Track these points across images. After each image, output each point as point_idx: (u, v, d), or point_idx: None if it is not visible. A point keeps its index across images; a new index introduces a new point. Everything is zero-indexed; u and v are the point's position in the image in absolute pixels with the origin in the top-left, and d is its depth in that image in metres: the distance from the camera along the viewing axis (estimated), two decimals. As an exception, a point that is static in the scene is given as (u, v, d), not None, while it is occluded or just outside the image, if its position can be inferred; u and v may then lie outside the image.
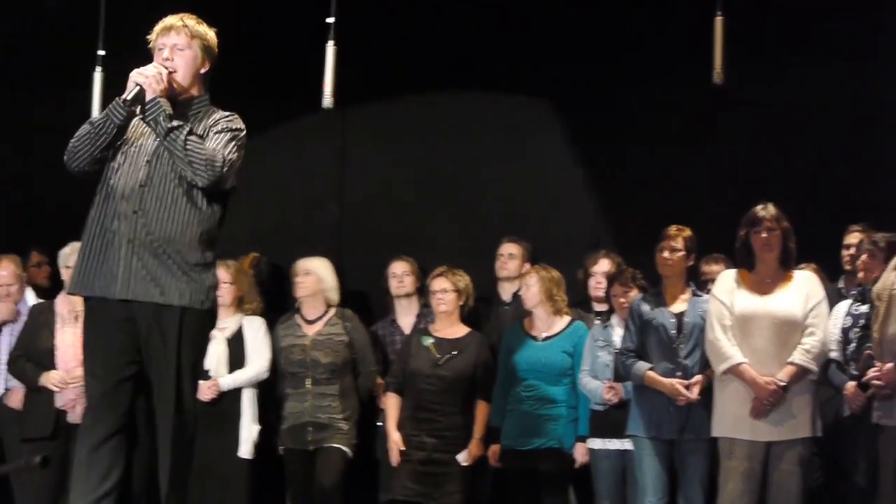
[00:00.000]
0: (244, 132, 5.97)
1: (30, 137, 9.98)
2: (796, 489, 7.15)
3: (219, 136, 5.86)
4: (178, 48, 5.90)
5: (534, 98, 10.14)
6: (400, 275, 8.98)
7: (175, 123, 5.73)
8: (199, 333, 5.96)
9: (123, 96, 5.80)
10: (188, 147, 5.71)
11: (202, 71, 6.01)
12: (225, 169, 5.77)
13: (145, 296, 5.73)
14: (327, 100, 8.25)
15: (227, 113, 6.01)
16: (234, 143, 5.88)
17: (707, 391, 7.39)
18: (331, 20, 8.28)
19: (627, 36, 9.48)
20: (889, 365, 6.67)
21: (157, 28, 5.99)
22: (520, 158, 10.13)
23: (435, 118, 10.28)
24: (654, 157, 9.55)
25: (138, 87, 5.75)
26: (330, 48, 8.20)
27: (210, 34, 6.04)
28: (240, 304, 8.53)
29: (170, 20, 5.98)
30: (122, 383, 5.80)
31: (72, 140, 5.89)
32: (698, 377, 7.45)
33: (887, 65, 8.89)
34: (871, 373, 6.80)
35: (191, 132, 5.76)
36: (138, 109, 5.79)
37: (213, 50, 6.04)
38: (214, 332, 8.21)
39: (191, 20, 5.98)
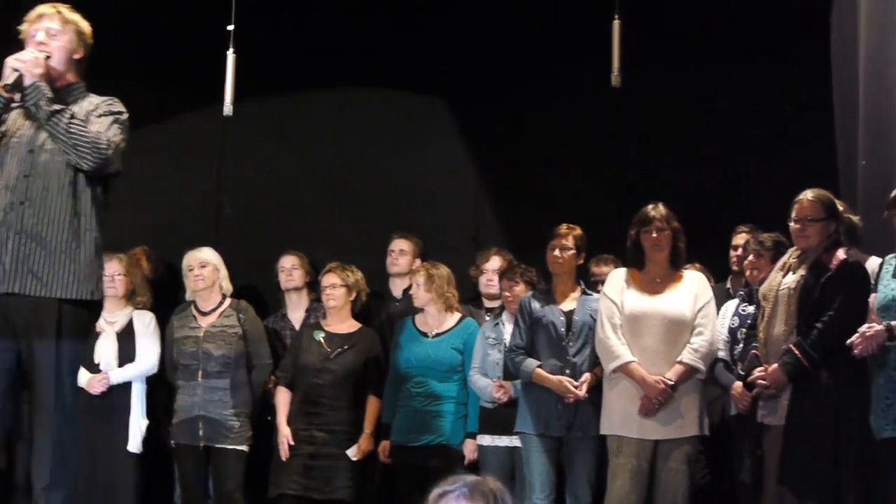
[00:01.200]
0: (126, 115, 5.94)
1: None
2: (683, 487, 7.16)
3: (101, 120, 5.82)
4: (51, 33, 5.88)
5: (424, 96, 10.28)
6: (289, 269, 8.97)
7: (57, 107, 5.73)
8: (80, 326, 5.92)
9: (1, 83, 5.76)
10: (72, 130, 5.68)
11: (76, 57, 5.97)
12: (110, 151, 5.74)
13: (27, 289, 5.69)
14: (228, 108, 8.26)
15: (106, 97, 5.98)
16: (116, 125, 5.86)
17: (595, 389, 7.40)
18: (231, 28, 8.22)
19: (519, 36, 9.55)
20: (774, 366, 6.69)
21: (30, 16, 5.95)
22: (411, 156, 10.29)
23: (325, 115, 10.35)
24: (546, 157, 9.69)
25: (17, 73, 5.72)
26: (230, 57, 8.17)
27: (83, 22, 5.99)
28: (130, 298, 8.44)
29: (42, 8, 5.96)
30: (3, 376, 5.78)
31: None
32: (587, 375, 7.45)
33: (774, 68, 9.03)
34: (757, 372, 6.81)
35: (73, 116, 5.70)
36: (18, 96, 5.75)
37: (87, 38, 6.01)
38: (104, 326, 8.31)
39: (63, 7, 5.96)
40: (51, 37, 5.86)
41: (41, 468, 5.78)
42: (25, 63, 5.73)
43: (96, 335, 8.25)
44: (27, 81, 5.71)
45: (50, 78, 5.81)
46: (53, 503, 5.77)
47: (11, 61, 5.76)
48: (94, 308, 6.00)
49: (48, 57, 5.80)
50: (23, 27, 5.95)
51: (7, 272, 5.67)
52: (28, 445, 5.92)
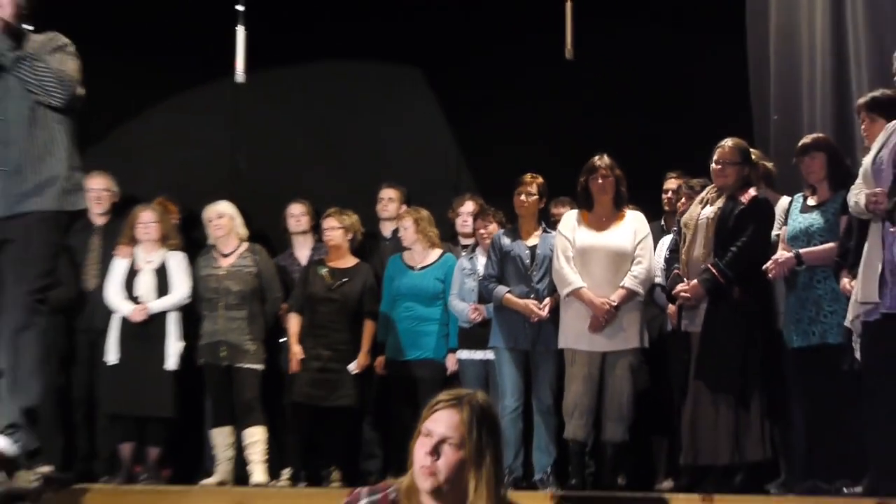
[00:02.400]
0: (72, 45, 5.78)
1: None
2: (627, 391, 7.24)
3: (55, 57, 5.69)
4: None
5: (405, 65, 10.18)
6: (297, 215, 8.93)
7: (20, 53, 5.58)
8: (60, 231, 5.82)
9: None
10: (38, 72, 5.59)
11: (23, 9, 5.69)
12: (72, 85, 5.66)
13: (14, 209, 5.63)
14: (240, 76, 8.25)
15: (50, 33, 5.80)
16: (70, 58, 5.74)
17: (555, 310, 7.44)
18: (240, 8, 8.24)
19: (484, 12, 9.49)
20: (694, 281, 6.76)
21: None
22: (395, 117, 10.19)
23: (320, 83, 10.22)
24: (510, 117, 9.65)
25: None
26: (240, 32, 8.16)
27: None
28: (164, 241, 8.36)
29: None
30: None
31: None
32: (548, 299, 7.50)
33: (700, 37, 9.09)
34: (680, 287, 6.89)
35: (36, 59, 5.59)
36: None
37: None
38: (142, 264, 8.25)
39: None
40: None
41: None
42: None
43: (136, 272, 8.24)
44: None
45: (6, 28, 5.60)
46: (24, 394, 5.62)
47: None
48: (70, 216, 5.86)
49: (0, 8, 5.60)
50: None
51: None
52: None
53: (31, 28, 5.79)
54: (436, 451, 3.94)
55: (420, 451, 3.90)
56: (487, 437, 3.94)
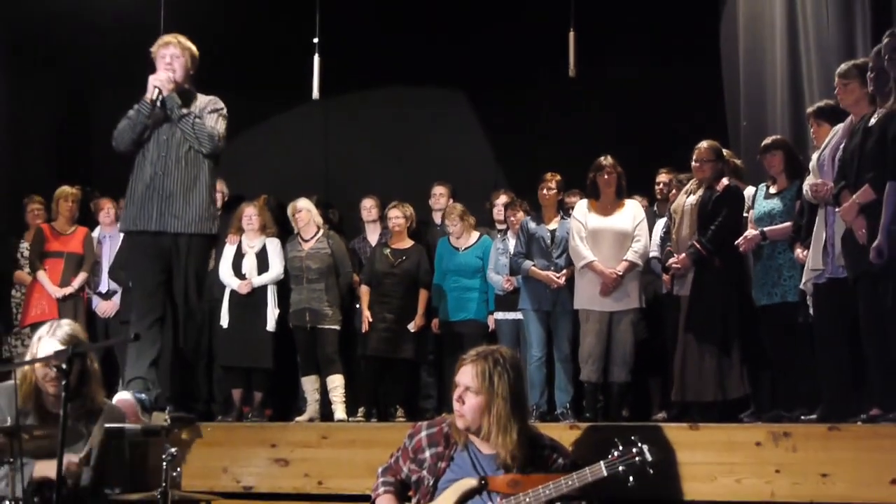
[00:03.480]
0: (225, 109, 5.95)
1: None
2: (630, 343, 7.28)
3: (211, 116, 5.84)
4: (175, 57, 5.88)
5: (451, 87, 10.19)
6: (368, 207, 8.93)
7: (185, 111, 5.75)
8: (203, 250, 5.98)
9: (147, 96, 5.81)
10: (196, 128, 5.74)
11: (191, 72, 5.96)
12: (219, 140, 5.81)
13: (167, 227, 5.78)
14: (316, 94, 8.32)
15: (211, 97, 5.97)
16: (221, 119, 5.89)
17: (570, 280, 7.44)
18: (316, 40, 8.28)
19: (508, 44, 9.50)
20: (682, 255, 6.77)
21: (158, 43, 5.95)
22: (444, 128, 10.18)
23: (387, 103, 10.24)
24: (533, 125, 9.65)
25: (157, 89, 5.78)
26: (316, 62, 8.21)
27: (193, 46, 5.96)
28: (264, 229, 8.42)
29: (166, 37, 5.97)
30: (158, 287, 5.87)
31: (115, 130, 5.88)
32: (565, 270, 7.49)
33: (680, 61, 9.09)
34: (672, 261, 6.89)
35: (196, 116, 5.75)
36: (158, 103, 5.78)
37: (196, 57, 5.98)
38: (247, 248, 8.29)
39: (181, 37, 5.96)
40: (174, 59, 5.88)
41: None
42: (162, 81, 5.79)
43: (242, 255, 8.28)
44: (165, 94, 5.77)
45: (177, 88, 5.83)
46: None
47: (153, 80, 5.81)
48: (214, 238, 6.09)
49: (174, 74, 5.83)
50: (153, 50, 5.95)
51: (155, 218, 5.77)
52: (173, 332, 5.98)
53: (193, 88, 5.99)
54: (461, 398, 4.06)
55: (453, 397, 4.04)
56: (501, 384, 4.03)
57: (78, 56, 9.61)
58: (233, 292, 8.29)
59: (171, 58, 5.88)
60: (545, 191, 7.73)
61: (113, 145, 5.88)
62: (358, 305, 8.58)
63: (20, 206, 9.10)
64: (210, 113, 5.86)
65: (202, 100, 5.94)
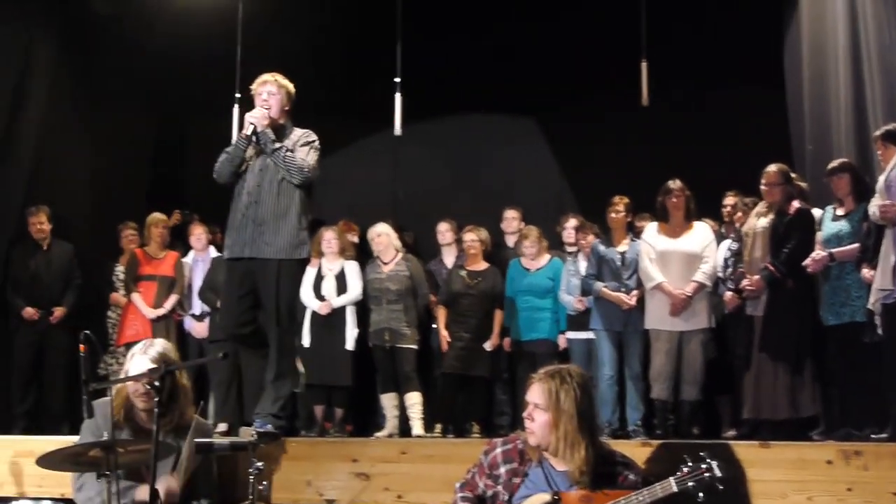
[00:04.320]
0: (317, 141, 5.99)
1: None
2: (700, 362, 7.23)
3: (303, 149, 5.88)
4: (272, 94, 5.96)
5: (521, 116, 10.22)
6: (443, 231, 8.98)
7: (278, 145, 5.81)
8: (293, 275, 5.99)
9: (243, 132, 5.93)
10: (286, 161, 5.79)
11: (286, 108, 6.04)
12: (309, 173, 5.85)
13: (259, 253, 5.80)
14: (398, 131, 8.38)
15: (305, 130, 6.03)
16: (313, 151, 5.92)
17: (641, 301, 7.41)
18: (397, 79, 8.37)
19: (578, 71, 9.49)
20: (756, 277, 6.70)
21: (257, 81, 6.04)
22: (515, 154, 10.19)
23: (460, 132, 10.30)
24: (602, 150, 9.60)
25: (252, 125, 5.86)
26: (398, 98, 8.30)
27: (290, 84, 6.06)
28: (342, 253, 8.50)
29: (265, 76, 6.05)
30: (246, 311, 5.91)
31: (216, 163, 5.96)
32: (635, 291, 7.46)
33: (748, 85, 8.98)
34: (745, 282, 6.82)
35: (288, 150, 5.82)
36: (254, 138, 5.88)
37: (292, 94, 6.06)
38: (326, 271, 8.34)
39: (278, 76, 6.04)
40: (271, 96, 5.95)
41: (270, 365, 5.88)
42: (257, 118, 5.86)
43: (322, 277, 8.33)
44: (259, 129, 5.85)
45: (271, 124, 5.91)
46: (281, 390, 5.86)
47: (248, 116, 5.90)
48: (304, 263, 6.07)
49: (269, 110, 5.92)
50: (253, 87, 6.05)
51: (247, 244, 5.82)
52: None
53: (289, 123, 6.04)
54: (531, 415, 4.06)
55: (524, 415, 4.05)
56: (568, 401, 4.03)
57: (169, 88, 9.80)
58: (313, 313, 8.34)
59: (267, 95, 5.96)
60: (613, 213, 7.72)
61: (214, 177, 5.97)
62: (434, 325, 8.60)
63: (115, 232, 9.29)
64: (302, 146, 5.92)
65: (296, 133, 6.00)
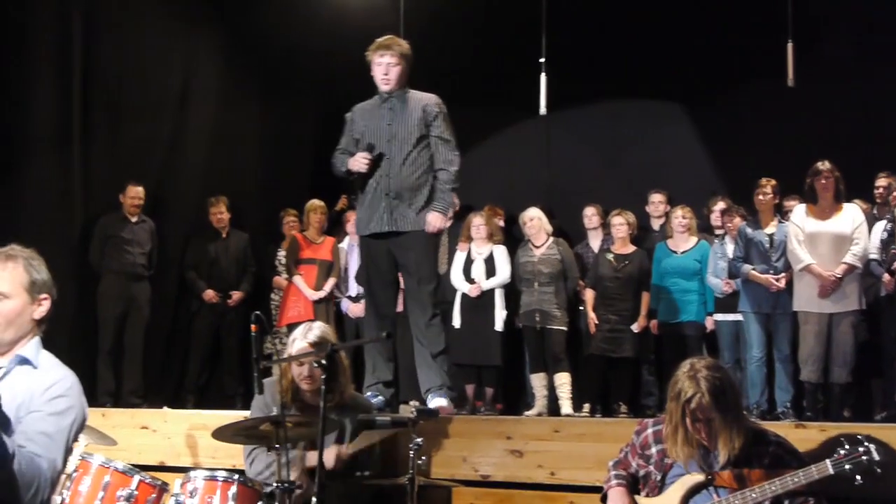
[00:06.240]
0: (445, 109, 5.73)
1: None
2: (850, 344, 7.04)
3: (443, 149, 5.70)
4: (391, 66, 5.69)
5: (669, 101, 10.04)
6: (590, 215, 8.96)
7: (439, 207, 5.71)
8: (431, 247, 5.84)
9: (350, 171, 5.79)
10: (446, 196, 5.73)
11: (406, 75, 5.75)
12: (456, 169, 5.73)
13: (396, 227, 5.68)
14: (542, 110, 8.37)
15: (430, 97, 5.74)
16: (450, 134, 5.72)
17: (789, 283, 7.28)
18: (542, 60, 8.34)
19: (723, 55, 9.28)
20: None
21: (373, 46, 5.73)
22: (662, 139, 10.02)
23: (608, 117, 10.18)
24: (749, 133, 9.37)
25: (355, 174, 5.77)
26: (543, 81, 8.27)
27: (408, 48, 5.72)
28: (491, 237, 8.52)
29: (384, 40, 5.71)
30: (387, 291, 5.86)
31: (333, 158, 5.92)
32: (783, 274, 7.35)
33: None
34: None
35: (442, 193, 5.71)
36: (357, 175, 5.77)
37: (411, 58, 5.73)
38: (476, 255, 8.39)
39: (397, 41, 5.73)
40: (390, 68, 5.68)
41: (427, 377, 5.74)
42: (360, 166, 5.69)
43: (471, 260, 8.38)
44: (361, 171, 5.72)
45: (392, 89, 5.66)
46: (444, 364, 5.81)
47: (351, 163, 5.74)
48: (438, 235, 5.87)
49: (388, 83, 5.66)
50: (368, 53, 5.73)
51: (384, 220, 5.69)
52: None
53: (405, 89, 5.84)
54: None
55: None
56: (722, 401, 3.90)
57: (331, 82, 9.99)
58: (463, 295, 8.43)
59: (386, 67, 5.70)
60: (761, 196, 7.59)
61: (332, 169, 5.95)
62: (582, 308, 8.59)
63: (277, 219, 9.55)
64: (438, 139, 5.72)
65: (420, 99, 5.76)
